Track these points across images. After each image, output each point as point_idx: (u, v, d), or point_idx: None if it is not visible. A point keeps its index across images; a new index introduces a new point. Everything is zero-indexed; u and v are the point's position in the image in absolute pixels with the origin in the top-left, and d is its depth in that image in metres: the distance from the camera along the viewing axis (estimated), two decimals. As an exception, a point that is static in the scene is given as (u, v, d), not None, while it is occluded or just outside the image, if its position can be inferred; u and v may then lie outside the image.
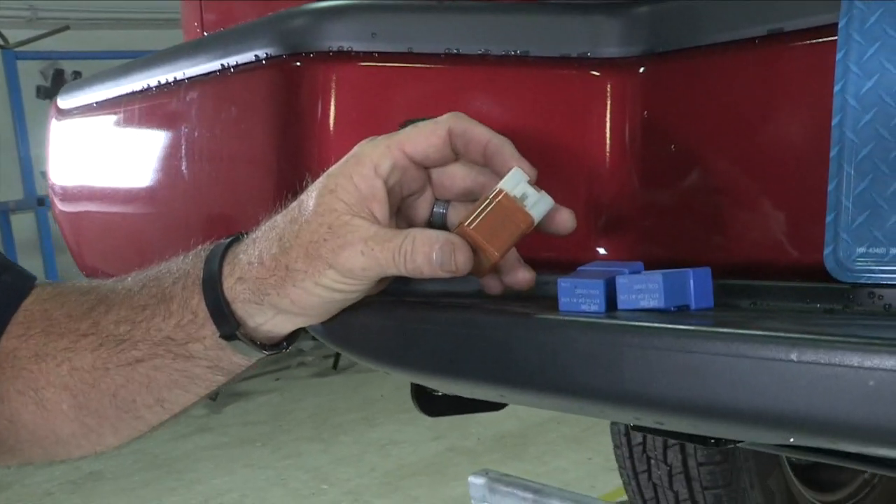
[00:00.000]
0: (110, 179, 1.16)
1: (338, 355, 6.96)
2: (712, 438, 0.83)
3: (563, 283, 0.68)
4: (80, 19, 7.05)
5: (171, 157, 1.04)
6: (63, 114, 1.24)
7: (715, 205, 0.80)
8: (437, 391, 1.09)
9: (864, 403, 0.51)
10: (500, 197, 0.73)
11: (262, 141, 0.93)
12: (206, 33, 1.32)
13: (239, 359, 0.87)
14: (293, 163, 0.90)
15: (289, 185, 0.90)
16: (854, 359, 0.51)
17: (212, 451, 5.44)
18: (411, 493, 4.66)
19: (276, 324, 0.84)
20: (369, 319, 0.79)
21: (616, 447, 2.11)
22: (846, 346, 0.52)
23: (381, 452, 5.24)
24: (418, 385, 1.10)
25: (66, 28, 6.90)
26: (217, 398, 6.17)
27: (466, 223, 0.74)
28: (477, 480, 2.34)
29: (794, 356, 0.53)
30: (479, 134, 0.76)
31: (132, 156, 1.12)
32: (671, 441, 1.98)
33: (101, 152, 1.20)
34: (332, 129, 0.87)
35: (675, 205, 0.82)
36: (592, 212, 0.84)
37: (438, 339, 0.72)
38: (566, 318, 0.65)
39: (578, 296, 0.66)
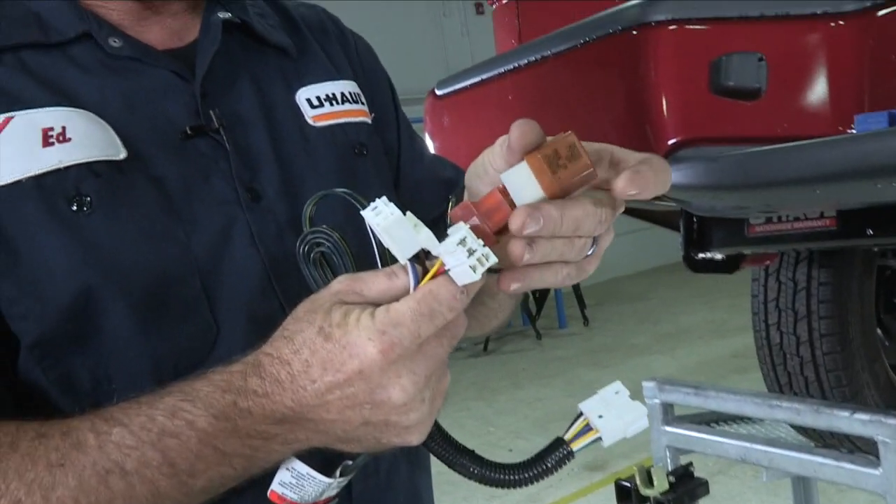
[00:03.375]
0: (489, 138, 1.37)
1: (487, 340, 7.10)
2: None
3: (858, 118, 0.86)
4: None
5: (539, 111, 1.27)
6: (438, 98, 1.48)
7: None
8: (699, 254, 1.27)
9: None
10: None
11: (616, 82, 1.14)
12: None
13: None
14: (639, 92, 1.10)
15: (634, 111, 1.09)
16: None
17: (404, 408, 5.63)
18: (558, 432, 4.76)
19: None
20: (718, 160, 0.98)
21: (758, 349, 2.18)
22: None
23: (531, 406, 5.36)
24: (688, 251, 1.27)
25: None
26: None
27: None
28: (648, 384, 2.38)
29: None
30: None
31: (502, 117, 1.34)
32: (802, 338, 2.07)
33: (470, 122, 1.43)
34: (660, 66, 1.08)
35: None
36: (844, 99, 1.02)
37: (770, 163, 0.91)
38: (868, 133, 0.84)
39: (869, 122, 0.85)
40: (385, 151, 0.99)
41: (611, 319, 7.65)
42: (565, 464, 0.66)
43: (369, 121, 0.94)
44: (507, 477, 0.64)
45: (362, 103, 0.94)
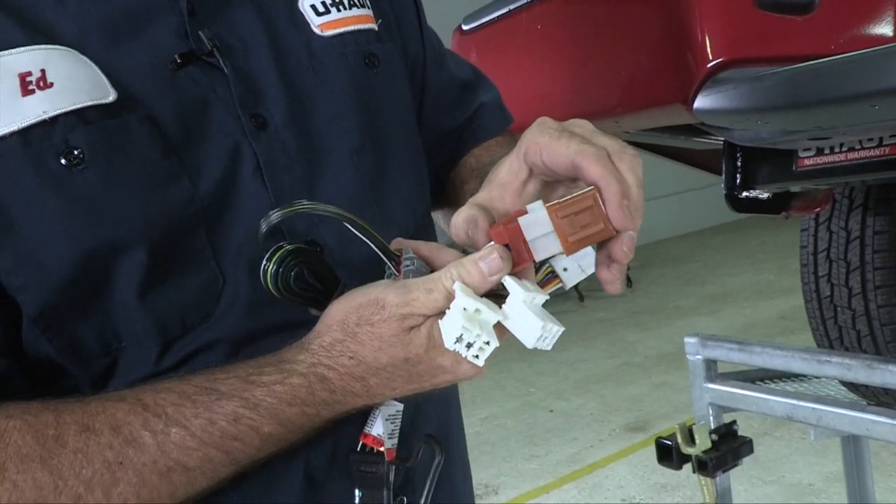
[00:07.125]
0: (518, 71, 1.30)
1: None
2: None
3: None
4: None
5: (570, 39, 1.18)
6: (465, 33, 1.40)
7: None
8: (743, 193, 1.18)
9: None
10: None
11: (650, 2, 1.04)
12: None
13: None
14: (676, 11, 1.00)
15: (671, 32, 0.99)
16: None
17: (446, 369, 5.63)
18: (599, 393, 4.71)
19: None
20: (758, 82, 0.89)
21: (807, 302, 2.08)
22: None
23: (572, 367, 5.29)
24: (731, 190, 1.19)
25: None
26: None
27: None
28: (691, 339, 2.27)
29: None
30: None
31: (532, 50, 1.26)
32: (854, 290, 1.96)
33: (500, 58, 1.35)
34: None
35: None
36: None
37: (822, 79, 0.82)
38: None
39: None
40: (410, 58, 0.92)
41: (655, 282, 7.50)
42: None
43: (376, 27, 0.85)
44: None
45: (367, 7, 0.85)
